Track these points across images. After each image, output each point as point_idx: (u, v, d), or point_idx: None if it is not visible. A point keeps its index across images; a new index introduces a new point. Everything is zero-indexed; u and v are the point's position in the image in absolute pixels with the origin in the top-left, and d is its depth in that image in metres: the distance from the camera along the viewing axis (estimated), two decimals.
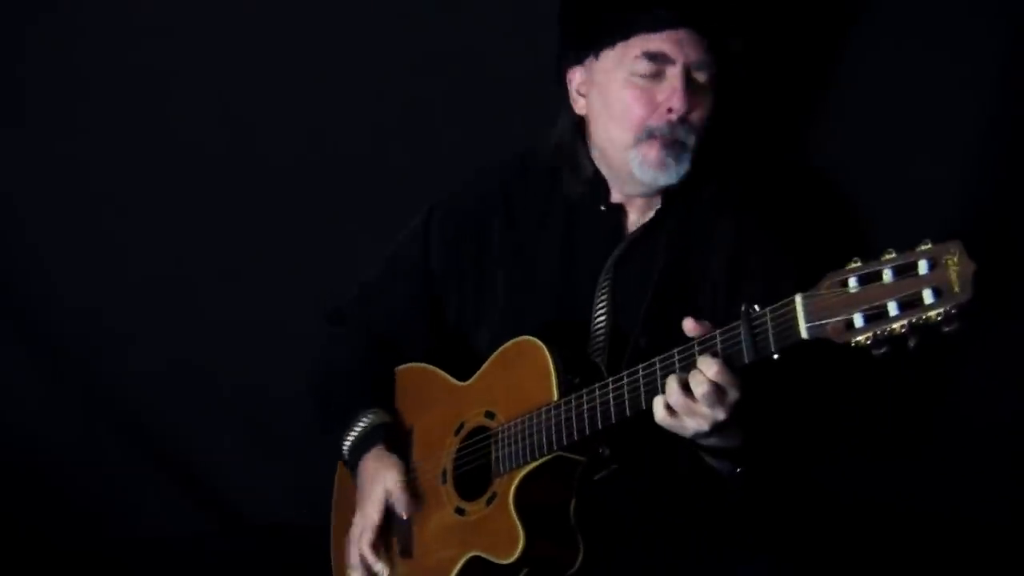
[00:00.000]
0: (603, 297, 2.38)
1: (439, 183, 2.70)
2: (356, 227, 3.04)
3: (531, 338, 2.29)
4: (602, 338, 2.36)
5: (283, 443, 3.16)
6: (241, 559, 3.12)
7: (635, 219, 2.45)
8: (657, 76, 2.32)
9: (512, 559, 2.21)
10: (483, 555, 2.28)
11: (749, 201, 2.46)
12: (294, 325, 3.06)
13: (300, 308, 3.04)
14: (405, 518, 2.41)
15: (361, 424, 2.49)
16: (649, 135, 2.33)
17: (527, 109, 2.85)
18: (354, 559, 2.46)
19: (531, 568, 2.23)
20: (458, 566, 2.31)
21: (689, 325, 2.04)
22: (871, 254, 2.71)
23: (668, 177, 2.34)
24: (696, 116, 2.33)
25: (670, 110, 2.31)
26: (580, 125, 2.47)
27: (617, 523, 2.30)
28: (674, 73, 2.30)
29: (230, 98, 3.06)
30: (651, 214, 2.43)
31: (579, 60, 2.43)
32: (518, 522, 2.22)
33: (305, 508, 2.95)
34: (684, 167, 2.34)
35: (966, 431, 2.79)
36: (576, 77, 2.45)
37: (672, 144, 2.32)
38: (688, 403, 2.02)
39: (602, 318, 2.37)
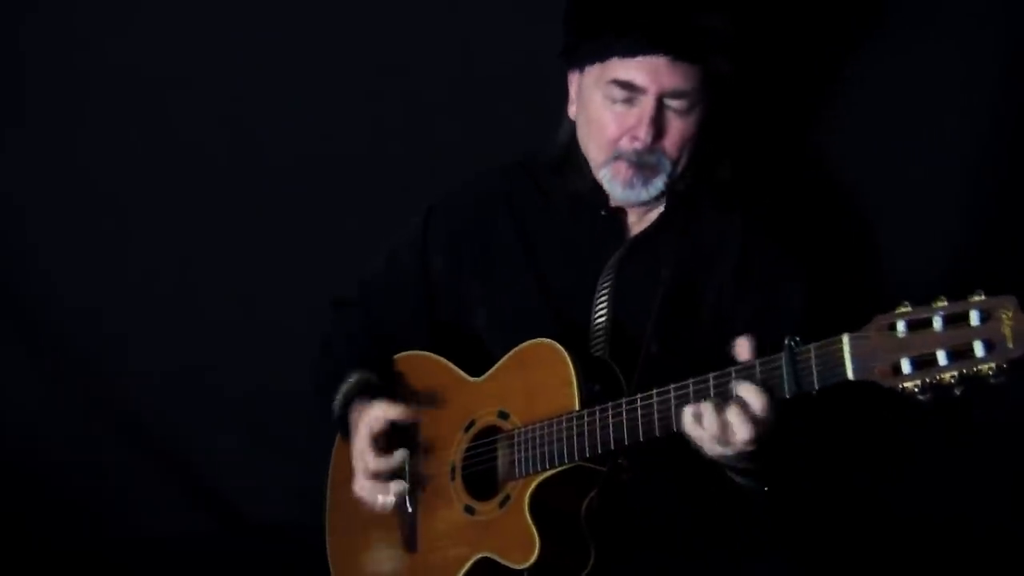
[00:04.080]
0: (603, 298, 2.38)
1: (439, 182, 2.70)
2: (356, 226, 3.04)
3: (552, 342, 2.28)
4: (601, 338, 2.36)
5: (283, 443, 3.16)
6: (241, 559, 3.11)
7: (635, 221, 2.45)
8: (630, 101, 2.31)
9: (527, 564, 2.21)
10: (494, 557, 2.27)
11: (755, 205, 2.46)
12: (294, 325, 3.06)
13: (300, 308, 3.04)
14: (406, 417, 2.37)
15: (349, 381, 2.46)
16: (617, 157, 2.34)
17: (527, 109, 2.86)
18: (365, 490, 2.41)
19: (541, 572, 2.22)
20: (467, 566, 2.31)
21: (743, 349, 2.01)
22: (874, 260, 2.74)
23: (637, 196, 2.36)
24: (671, 141, 2.32)
25: (636, 138, 2.31)
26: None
27: (628, 528, 2.29)
28: (645, 101, 2.30)
29: (229, 98, 3.06)
30: (653, 217, 2.43)
31: (572, 67, 2.44)
32: (534, 528, 2.21)
33: (305, 508, 2.94)
34: (655, 188, 2.35)
35: (968, 433, 2.79)
36: (574, 81, 2.45)
37: (640, 167, 2.33)
38: (720, 430, 2.01)
39: (601, 319, 2.37)
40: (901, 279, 2.75)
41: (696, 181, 2.41)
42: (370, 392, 2.44)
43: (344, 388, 2.47)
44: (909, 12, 2.71)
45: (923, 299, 1.81)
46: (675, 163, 2.34)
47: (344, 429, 2.48)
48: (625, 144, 2.33)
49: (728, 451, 2.04)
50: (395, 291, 2.60)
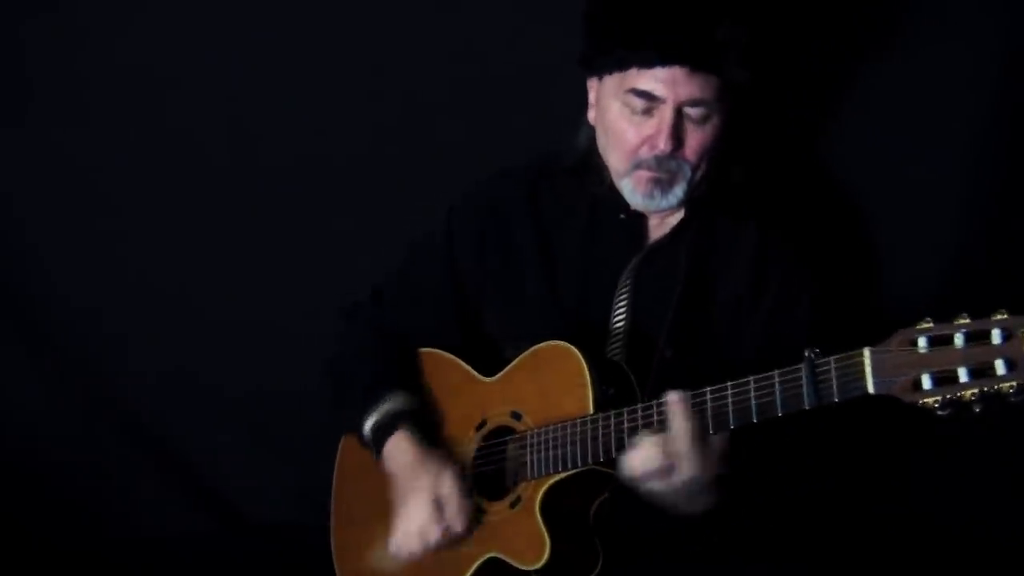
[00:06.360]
0: (622, 301, 2.39)
1: (439, 183, 2.70)
2: (356, 227, 3.04)
3: (567, 344, 2.28)
4: (620, 342, 2.36)
5: (283, 443, 3.16)
6: (241, 559, 3.11)
7: (656, 224, 2.45)
8: (649, 111, 2.32)
9: (537, 566, 2.22)
10: (503, 558, 2.28)
11: (772, 213, 2.47)
12: (294, 325, 3.07)
13: (300, 308, 3.05)
14: (458, 530, 2.35)
15: (386, 404, 2.44)
16: (637, 166, 2.34)
17: (529, 109, 2.86)
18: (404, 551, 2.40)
19: (550, 574, 2.23)
20: (475, 565, 2.32)
21: (674, 397, 2.08)
22: (882, 265, 2.74)
23: (657, 205, 2.36)
24: (690, 149, 2.32)
25: (656, 147, 2.31)
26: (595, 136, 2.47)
27: (636, 531, 2.29)
28: (664, 111, 2.30)
29: (230, 98, 3.05)
30: (672, 222, 2.44)
31: (591, 74, 2.45)
32: (545, 530, 2.22)
33: (305, 508, 2.94)
34: (675, 196, 2.35)
35: (969, 437, 2.78)
36: (593, 87, 2.46)
37: (659, 178, 2.33)
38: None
39: (620, 322, 2.38)
40: (901, 281, 2.75)
41: (711, 187, 2.41)
42: (410, 421, 2.43)
43: (378, 414, 2.44)
44: (909, 11, 2.71)
45: (943, 314, 1.82)
46: (695, 170, 2.35)
47: (377, 449, 2.46)
48: (645, 152, 2.33)
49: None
50: (417, 295, 2.58)
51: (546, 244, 2.48)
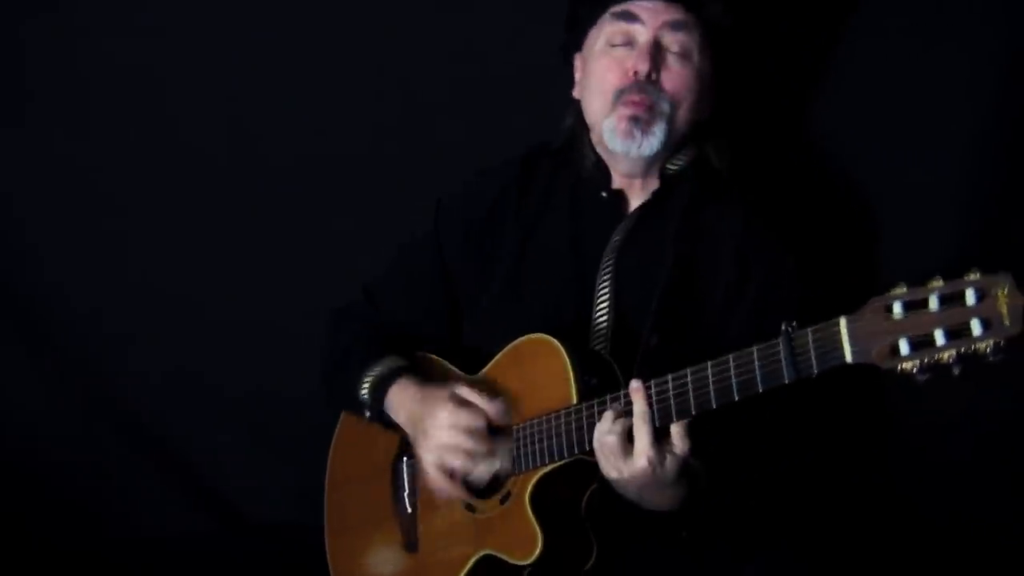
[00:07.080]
0: (604, 286, 2.38)
1: (439, 182, 2.70)
2: (356, 227, 3.05)
3: (547, 337, 2.28)
4: (604, 328, 2.36)
5: (283, 443, 3.16)
6: (241, 559, 3.12)
7: (635, 204, 2.46)
8: (629, 44, 2.36)
9: (530, 560, 2.21)
10: (497, 554, 2.27)
11: (757, 197, 2.47)
12: (294, 326, 3.06)
13: (300, 309, 3.05)
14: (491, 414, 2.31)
15: (381, 365, 2.45)
16: (617, 98, 2.35)
17: (528, 109, 2.86)
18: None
19: (544, 568, 2.22)
20: (469, 564, 2.31)
21: (634, 385, 2.09)
22: (873, 255, 2.74)
23: (639, 148, 2.35)
24: (670, 82, 2.35)
25: (636, 72, 2.33)
26: (582, 112, 2.48)
27: (629, 521, 2.27)
28: (643, 38, 2.34)
29: (230, 98, 3.06)
30: (648, 197, 2.44)
31: (576, 47, 2.48)
32: (536, 524, 2.22)
33: (305, 508, 2.94)
34: (655, 137, 2.35)
35: (965, 430, 2.79)
36: (579, 67, 2.49)
37: (637, 116, 2.33)
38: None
39: (604, 307, 2.37)
40: (901, 279, 2.74)
41: (695, 172, 2.42)
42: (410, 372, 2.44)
43: (375, 372, 2.45)
44: (909, 10, 2.71)
45: (919, 280, 1.81)
46: (674, 108, 2.36)
47: (377, 405, 2.45)
48: (625, 81, 2.35)
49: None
50: (407, 291, 2.60)
51: (530, 236, 2.49)
